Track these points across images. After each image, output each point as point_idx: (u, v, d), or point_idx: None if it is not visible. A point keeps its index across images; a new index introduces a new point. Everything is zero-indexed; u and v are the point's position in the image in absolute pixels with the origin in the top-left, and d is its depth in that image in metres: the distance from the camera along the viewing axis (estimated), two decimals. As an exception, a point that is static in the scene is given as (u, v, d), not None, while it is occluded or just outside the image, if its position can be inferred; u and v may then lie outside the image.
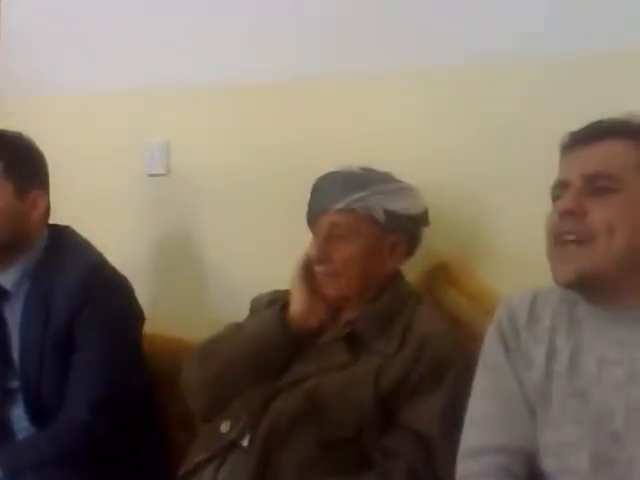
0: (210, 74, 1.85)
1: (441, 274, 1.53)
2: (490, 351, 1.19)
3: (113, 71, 1.99)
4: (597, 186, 1.07)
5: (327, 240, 1.42)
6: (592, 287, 1.08)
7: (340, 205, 1.40)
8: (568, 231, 1.07)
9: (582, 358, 1.09)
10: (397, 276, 1.48)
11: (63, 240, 1.62)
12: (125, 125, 1.97)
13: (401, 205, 1.42)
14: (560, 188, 1.11)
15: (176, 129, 1.92)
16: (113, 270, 1.61)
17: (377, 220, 1.41)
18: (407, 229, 1.45)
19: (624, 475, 1.01)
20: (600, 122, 1.12)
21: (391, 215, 1.41)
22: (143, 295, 1.70)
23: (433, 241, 1.50)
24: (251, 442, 1.33)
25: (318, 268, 1.43)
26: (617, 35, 1.37)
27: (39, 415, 1.55)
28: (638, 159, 1.07)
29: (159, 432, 1.65)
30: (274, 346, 1.40)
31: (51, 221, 1.65)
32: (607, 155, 1.08)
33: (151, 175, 1.96)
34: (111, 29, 2.00)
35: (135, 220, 1.99)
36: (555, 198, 1.12)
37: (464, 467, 1.14)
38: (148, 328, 1.68)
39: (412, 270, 1.51)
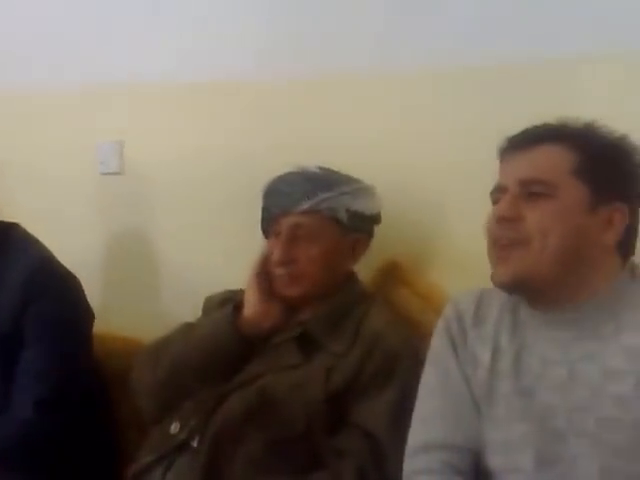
0: (165, 73, 1.83)
1: (393, 274, 1.54)
2: (438, 349, 1.20)
3: (65, 68, 1.95)
4: (532, 191, 1.09)
5: (290, 242, 1.42)
6: (528, 289, 1.10)
7: (304, 206, 1.40)
8: (505, 236, 1.09)
9: (526, 357, 1.11)
10: (350, 276, 1.49)
11: (10, 237, 1.59)
12: (77, 123, 1.94)
13: (363, 205, 1.44)
14: (498, 193, 1.13)
15: (130, 127, 1.90)
16: (61, 267, 1.58)
17: (340, 220, 1.42)
18: (367, 228, 1.47)
19: (567, 473, 1.02)
20: (537, 127, 1.14)
21: (354, 215, 1.43)
22: (96, 295, 1.69)
23: (385, 242, 1.51)
24: (200, 443, 1.32)
25: (280, 270, 1.42)
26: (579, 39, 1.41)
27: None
28: (573, 164, 1.09)
29: (109, 432, 1.62)
30: (226, 347, 1.40)
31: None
32: (542, 160, 1.10)
33: (104, 174, 1.94)
34: (63, 25, 1.96)
35: (88, 219, 1.96)
36: (494, 202, 1.14)
37: (410, 464, 1.15)
38: (100, 328, 1.65)
39: (364, 270, 1.52)
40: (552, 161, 1.09)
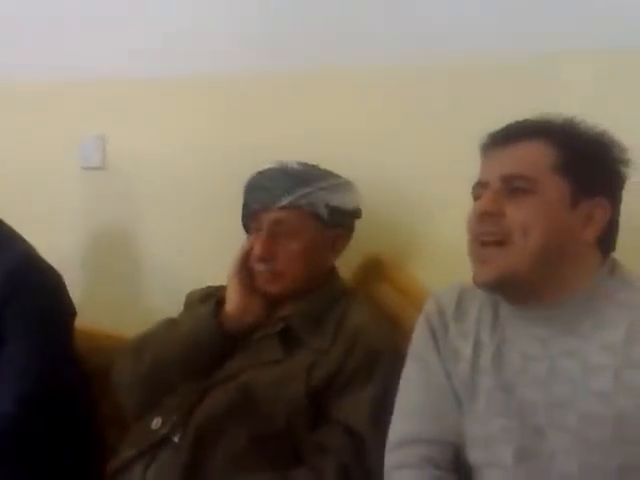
0: (148, 67, 1.83)
1: (374, 270, 1.54)
2: (419, 344, 1.21)
3: (47, 59, 1.94)
4: (514, 187, 1.08)
5: (271, 238, 1.41)
6: (510, 288, 1.11)
7: (284, 202, 1.40)
8: (486, 232, 1.09)
9: (506, 353, 1.11)
10: (331, 272, 1.49)
11: None
12: (59, 117, 1.93)
13: (342, 200, 1.44)
14: (480, 188, 1.13)
15: (113, 121, 1.89)
16: (43, 263, 1.58)
17: (320, 216, 1.42)
18: (347, 223, 1.47)
19: (546, 468, 1.03)
20: (519, 123, 1.14)
21: (333, 210, 1.42)
22: (78, 291, 1.69)
23: (366, 237, 1.51)
24: (182, 438, 1.31)
25: (260, 266, 1.42)
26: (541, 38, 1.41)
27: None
28: (554, 159, 1.09)
29: (90, 428, 1.62)
30: (208, 343, 1.40)
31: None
32: (524, 156, 1.10)
33: (85, 168, 1.93)
34: (45, 16, 1.95)
35: (70, 215, 1.95)
36: (476, 198, 1.14)
37: (391, 458, 1.15)
38: (83, 323, 1.65)
39: (346, 266, 1.52)
40: (533, 157, 1.09)
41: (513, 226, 1.07)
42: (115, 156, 1.91)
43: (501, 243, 1.08)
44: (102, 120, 1.90)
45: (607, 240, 1.11)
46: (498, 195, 1.09)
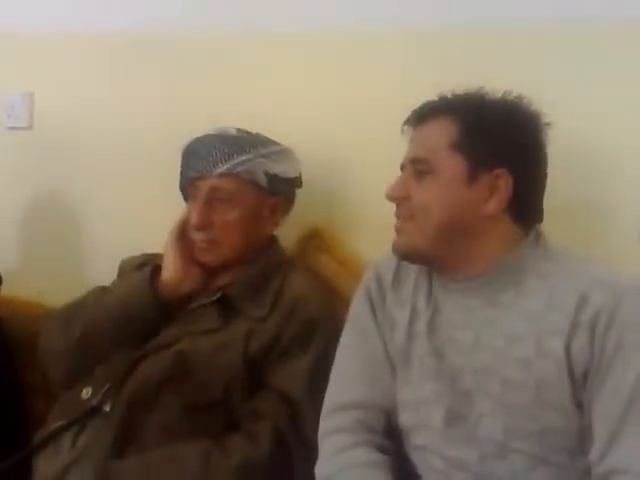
0: (79, 22, 1.75)
1: (313, 241, 1.53)
2: (357, 311, 1.23)
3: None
4: (418, 169, 1.13)
5: (208, 205, 1.38)
6: (421, 260, 1.16)
7: (222, 169, 1.37)
8: (397, 214, 1.16)
9: (438, 320, 1.14)
10: (271, 242, 1.47)
11: None
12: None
13: (282, 168, 1.42)
14: (401, 169, 1.18)
15: (41, 79, 1.80)
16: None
17: (259, 183, 1.39)
18: (286, 192, 1.45)
19: (473, 430, 1.07)
20: (433, 101, 1.16)
21: (273, 178, 1.40)
22: (5, 258, 1.63)
23: (306, 209, 1.50)
24: (113, 407, 1.29)
25: (197, 235, 1.39)
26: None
27: None
28: (453, 137, 1.10)
29: (16, 398, 1.57)
30: (143, 311, 1.37)
31: None
32: (428, 137, 1.14)
33: (11, 128, 1.84)
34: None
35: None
36: None
37: (326, 423, 1.17)
38: (9, 292, 1.60)
39: (286, 238, 1.51)
40: (435, 137, 1.12)
41: (415, 207, 1.12)
42: (44, 115, 1.82)
43: (409, 220, 1.13)
44: (29, 77, 1.81)
45: (521, 210, 1.12)
46: (406, 179, 1.15)
